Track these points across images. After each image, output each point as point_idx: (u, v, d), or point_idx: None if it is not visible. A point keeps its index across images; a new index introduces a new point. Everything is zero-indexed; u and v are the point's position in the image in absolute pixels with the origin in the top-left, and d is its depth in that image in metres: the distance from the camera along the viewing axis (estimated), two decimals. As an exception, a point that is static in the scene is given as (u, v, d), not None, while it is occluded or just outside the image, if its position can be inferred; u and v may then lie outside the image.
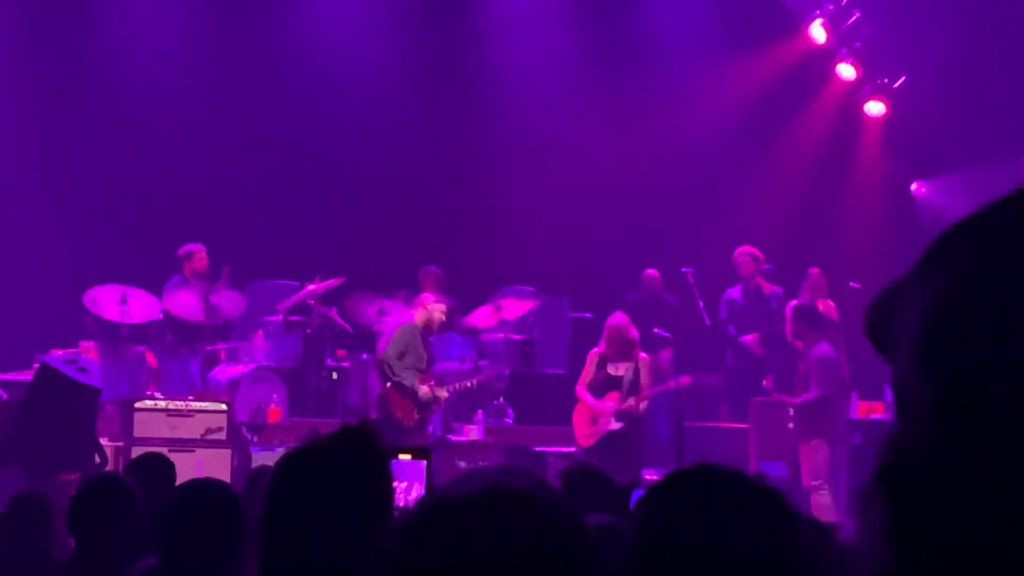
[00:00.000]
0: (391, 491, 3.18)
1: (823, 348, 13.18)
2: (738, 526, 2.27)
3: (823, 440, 13.14)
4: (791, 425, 13.27)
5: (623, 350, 13.23)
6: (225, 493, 4.85)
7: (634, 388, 13.21)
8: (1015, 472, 1.02)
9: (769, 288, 15.33)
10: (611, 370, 13.26)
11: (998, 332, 1.04)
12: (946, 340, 1.07)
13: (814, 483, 13.06)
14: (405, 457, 3.99)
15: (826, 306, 14.57)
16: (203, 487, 4.90)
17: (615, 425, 13.18)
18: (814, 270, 15.00)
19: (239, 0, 17.45)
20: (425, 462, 3.94)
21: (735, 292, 15.46)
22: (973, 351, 1.05)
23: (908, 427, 1.09)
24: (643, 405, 13.28)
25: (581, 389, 13.35)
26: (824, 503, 12.94)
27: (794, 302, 14.04)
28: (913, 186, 17.17)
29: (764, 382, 13.73)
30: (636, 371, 13.22)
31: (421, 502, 1.70)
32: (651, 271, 15.91)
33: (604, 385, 13.25)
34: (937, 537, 1.05)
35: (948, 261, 1.11)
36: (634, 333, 13.30)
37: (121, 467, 11.02)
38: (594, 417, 13.25)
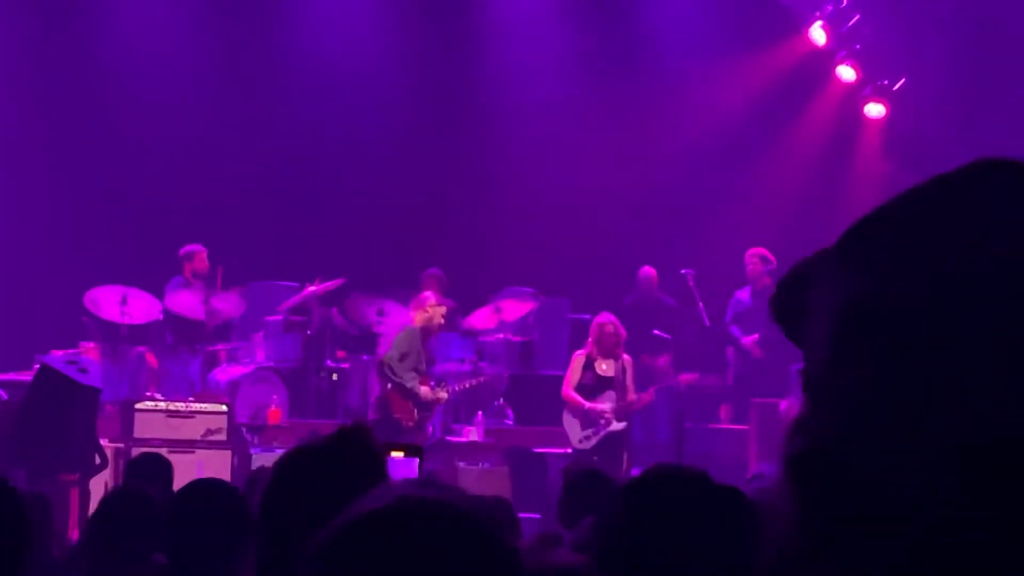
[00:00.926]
0: None
1: None
2: (697, 525, 2.33)
3: None
4: None
5: (610, 350, 13.22)
6: (230, 492, 4.86)
7: (623, 387, 13.20)
8: (927, 462, 1.03)
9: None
10: (600, 370, 13.23)
11: (917, 331, 1.05)
12: (865, 336, 1.08)
13: None
14: (398, 455, 4.00)
15: None
16: (208, 487, 4.92)
17: (617, 426, 13.15)
18: None
19: (240, 3, 17.45)
20: (417, 460, 3.95)
21: (743, 294, 15.45)
22: (891, 347, 1.06)
23: (818, 413, 1.10)
24: (646, 399, 13.29)
25: (569, 391, 13.30)
26: None
27: None
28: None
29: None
30: (624, 371, 13.22)
31: (335, 521, 1.69)
32: (647, 269, 15.88)
33: (595, 386, 13.22)
34: (848, 523, 1.06)
35: (868, 255, 1.12)
36: (622, 333, 13.28)
37: (121, 468, 11.02)
38: (590, 419, 13.20)
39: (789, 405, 13.49)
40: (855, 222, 1.14)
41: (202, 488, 4.87)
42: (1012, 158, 1.14)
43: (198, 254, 14.59)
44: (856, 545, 1.05)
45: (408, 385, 13.03)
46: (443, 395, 13.43)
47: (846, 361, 1.09)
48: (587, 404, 13.20)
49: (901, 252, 1.10)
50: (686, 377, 13.95)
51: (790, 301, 1.21)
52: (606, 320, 13.32)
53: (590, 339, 13.37)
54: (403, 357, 13.12)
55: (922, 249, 1.09)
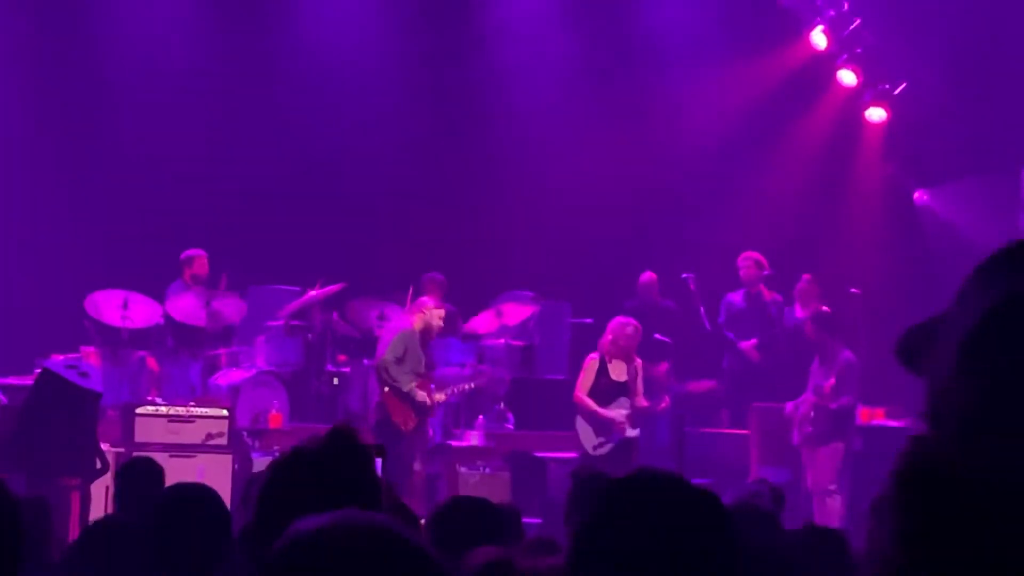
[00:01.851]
0: (379, 492, 3.22)
1: (847, 354, 13.25)
2: (672, 528, 2.36)
3: (841, 444, 13.20)
4: (809, 428, 13.27)
5: (627, 351, 13.17)
6: (210, 497, 4.86)
7: (633, 392, 13.17)
8: None
9: (769, 295, 15.34)
10: (614, 375, 13.16)
11: None
12: (990, 345, 1.09)
13: (830, 487, 13.09)
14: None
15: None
16: (188, 492, 4.92)
17: (632, 432, 13.09)
18: (806, 277, 15.02)
19: (241, 10, 17.46)
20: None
21: (736, 296, 15.47)
22: (1013, 358, 1.07)
23: (939, 434, 1.11)
24: (662, 405, 13.28)
25: (582, 396, 13.21)
26: (836, 508, 12.96)
27: (798, 309, 14.13)
28: (916, 195, 17.17)
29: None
30: (636, 374, 13.19)
31: (281, 540, 1.79)
32: (648, 275, 15.88)
33: (609, 391, 13.12)
34: (961, 537, 1.06)
35: (992, 282, 1.13)
36: (638, 337, 13.27)
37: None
38: (604, 426, 13.10)
39: (794, 407, 13.48)
40: (992, 254, 1.17)
41: (184, 494, 4.87)
42: None
43: (198, 259, 14.60)
44: (957, 553, 1.05)
45: (404, 388, 13.01)
46: (441, 397, 13.40)
47: (969, 372, 1.10)
48: (601, 411, 13.06)
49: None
50: (694, 385, 13.94)
51: (915, 341, 1.23)
52: (628, 321, 13.27)
53: (607, 339, 13.26)
54: (399, 360, 13.10)
55: None
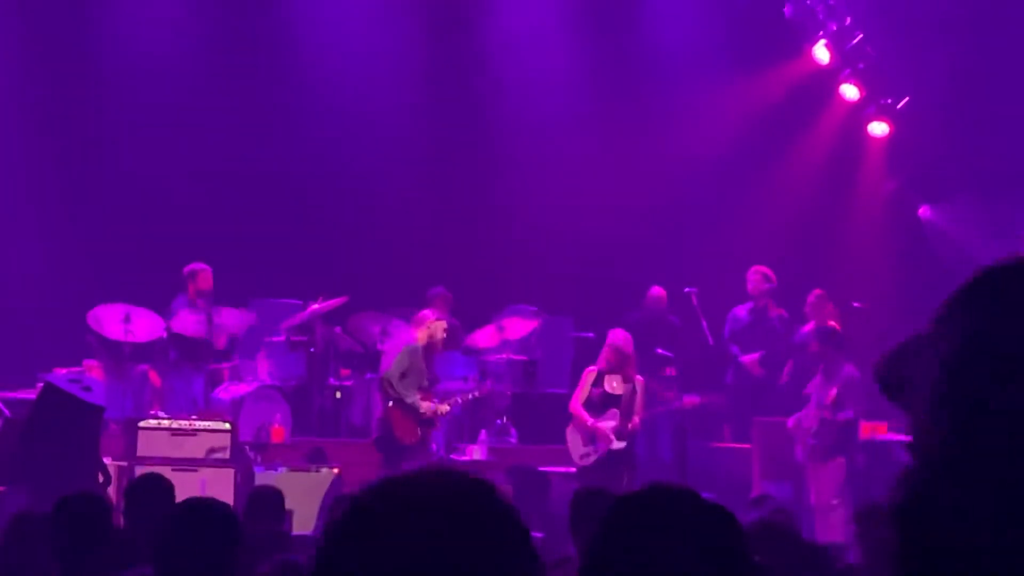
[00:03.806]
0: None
1: (850, 369, 13.25)
2: (686, 544, 2.34)
3: (844, 459, 13.19)
4: (811, 442, 13.26)
5: (622, 367, 13.20)
6: (223, 512, 4.85)
7: (630, 407, 13.18)
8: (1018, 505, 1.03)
9: (775, 310, 15.34)
10: (608, 388, 13.23)
11: (1011, 373, 1.06)
12: (965, 375, 1.10)
13: (832, 502, 13.07)
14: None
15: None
16: (202, 505, 4.91)
17: (617, 444, 13.14)
18: (816, 292, 15.00)
19: (244, 17, 17.48)
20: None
21: (742, 310, 15.46)
22: (989, 387, 1.07)
23: (921, 464, 1.12)
24: (634, 421, 13.24)
25: (577, 407, 13.30)
26: (838, 523, 12.94)
27: (810, 325, 14.14)
28: (920, 210, 17.17)
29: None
30: (633, 390, 13.20)
31: (351, 502, 1.72)
32: (657, 289, 15.87)
33: (601, 403, 13.21)
34: (941, 566, 1.07)
35: (967, 311, 1.14)
36: (627, 351, 13.26)
37: (124, 486, 11.02)
38: (591, 436, 13.20)
39: (797, 422, 13.48)
40: (955, 291, 1.17)
41: (196, 507, 4.87)
42: None
43: (202, 273, 14.59)
44: None
45: (408, 400, 13.02)
46: (445, 408, 13.40)
47: (945, 406, 1.10)
48: (590, 421, 13.20)
49: (997, 306, 1.12)
50: (689, 400, 13.92)
51: (892, 372, 1.24)
52: (615, 339, 13.31)
53: (601, 356, 13.36)
54: (404, 375, 13.11)
55: (1018, 303, 1.11)
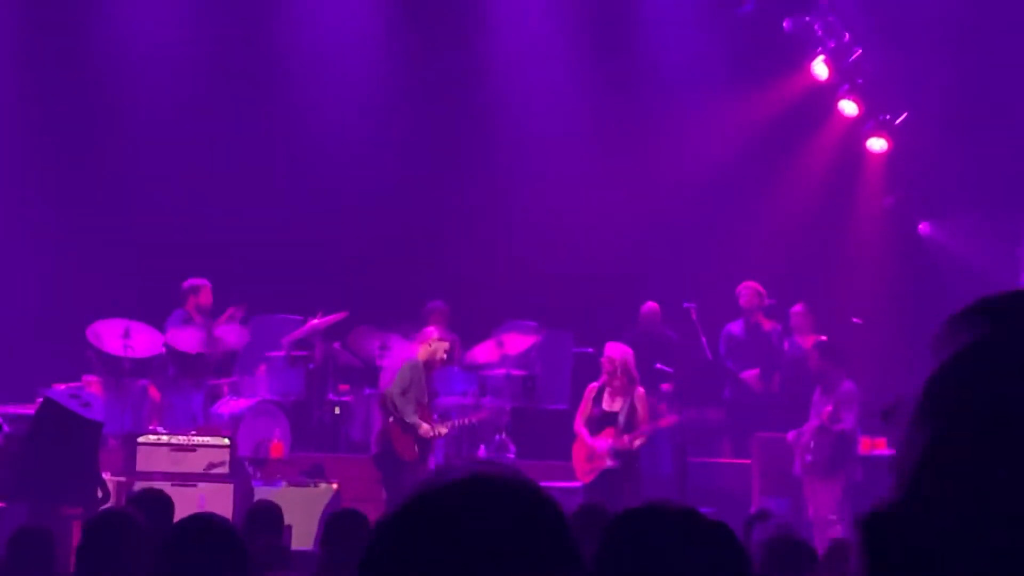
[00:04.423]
0: None
1: (848, 384, 13.27)
2: (683, 561, 2.34)
3: (842, 474, 13.20)
4: (808, 458, 13.26)
5: (620, 383, 13.20)
6: (225, 528, 4.85)
7: (630, 424, 13.17)
8: (985, 526, 1.04)
9: (769, 324, 15.36)
10: (606, 405, 13.24)
11: (987, 392, 1.08)
12: (944, 393, 1.11)
13: (831, 517, 13.07)
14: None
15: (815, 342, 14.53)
16: (204, 521, 4.91)
17: (610, 463, 13.14)
18: (798, 307, 15.05)
19: (246, 36, 17.50)
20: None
21: (735, 327, 15.48)
22: (963, 406, 1.08)
23: (896, 480, 1.13)
24: (637, 442, 13.20)
25: (579, 425, 13.36)
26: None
27: (808, 339, 14.16)
28: (920, 226, 17.19)
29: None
30: (632, 406, 13.19)
31: (405, 499, 1.73)
32: (650, 304, 15.90)
33: (600, 421, 13.23)
34: None
35: (956, 337, 1.16)
36: (631, 365, 13.26)
37: (123, 502, 11.01)
38: (590, 454, 13.22)
39: (796, 436, 13.48)
40: (950, 316, 1.20)
41: (197, 523, 4.86)
42: None
43: (203, 288, 14.60)
44: None
45: (409, 420, 13.03)
46: (443, 430, 13.42)
47: (925, 420, 1.11)
48: (588, 441, 13.19)
49: (985, 328, 1.13)
50: (669, 419, 13.86)
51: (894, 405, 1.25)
52: (611, 354, 13.30)
53: (601, 368, 13.42)
54: (405, 391, 13.12)
55: (1004, 327, 1.13)
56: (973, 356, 1.13)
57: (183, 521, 4.94)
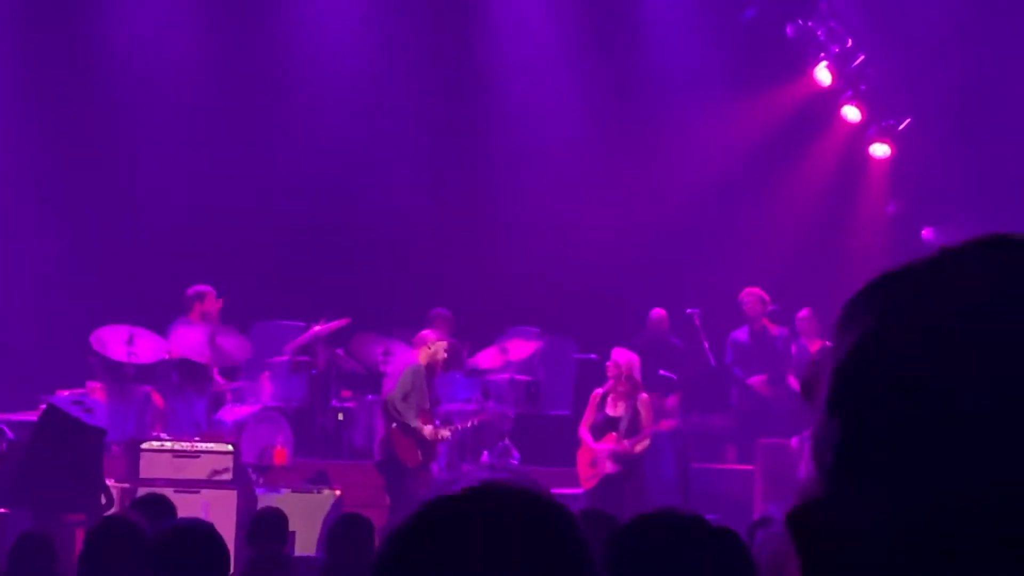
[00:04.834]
0: None
1: None
2: (691, 568, 2.35)
3: None
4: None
5: (624, 388, 13.21)
6: (208, 535, 4.86)
7: (633, 429, 13.18)
8: (902, 519, 1.04)
9: (775, 329, 15.36)
10: (609, 410, 13.26)
11: (895, 380, 1.07)
12: (852, 382, 1.11)
13: None
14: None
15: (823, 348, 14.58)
16: (187, 529, 4.92)
17: (611, 468, 13.15)
18: (804, 312, 15.04)
19: (249, 41, 17.51)
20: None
21: (741, 334, 15.48)
22: (872, 395, 1.08)
23: (818, 475, 1.13)
24: (639, 447, 13.21)
25: (583, 430, 13.40)
26: None
27: (819, 344, 14.16)
28: (924, 232, 17.18)
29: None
30: (636, 411, 13.20)
31: (416, 510, 1.74)
32: (658, 311, 15.90)
33: (603, 426, 13.25)
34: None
35: (862, 316, 1.15)
36: (636, 371, 13.27)
37: (126, 508, 11.01)
38: (593, 459, 13.25)
39: (800, 442, 13.48)
40: (853, 295, 1.19)
41: (181, 531, 4.87)
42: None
43: (208, 295, 14.60)
44: None
45: (412, 424, 13.02)
46: (446, 433, 13.41)
47: (835, 411, 1.11)
48: (592, 446, 13.23)
49: (885, 310, 1.13)
50: (667, 423, 13.86)
51: (810, 379, 1.25)
52: (617, 359, 13.32)
53: (607, 373, 13.44)
54: (406, 396, 13.12)
55: (906, 305, 1.12)
56: (873, 344, 1.13)
57: (167, 528, 4.95)
